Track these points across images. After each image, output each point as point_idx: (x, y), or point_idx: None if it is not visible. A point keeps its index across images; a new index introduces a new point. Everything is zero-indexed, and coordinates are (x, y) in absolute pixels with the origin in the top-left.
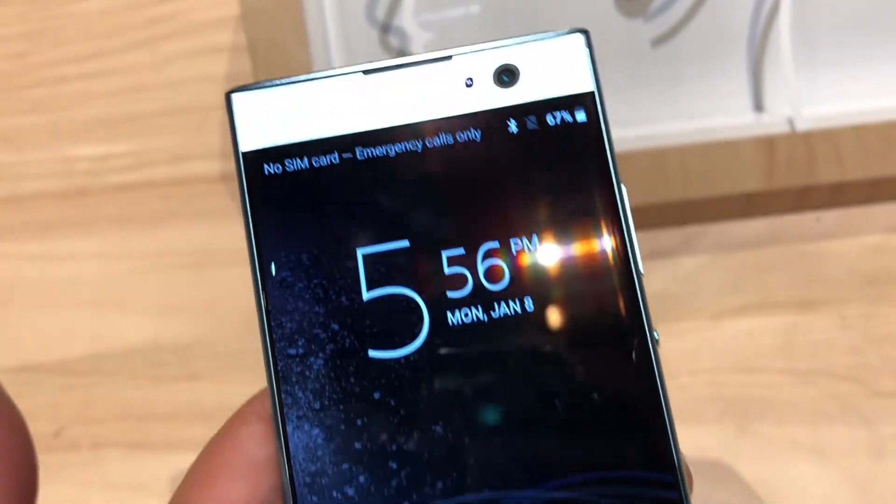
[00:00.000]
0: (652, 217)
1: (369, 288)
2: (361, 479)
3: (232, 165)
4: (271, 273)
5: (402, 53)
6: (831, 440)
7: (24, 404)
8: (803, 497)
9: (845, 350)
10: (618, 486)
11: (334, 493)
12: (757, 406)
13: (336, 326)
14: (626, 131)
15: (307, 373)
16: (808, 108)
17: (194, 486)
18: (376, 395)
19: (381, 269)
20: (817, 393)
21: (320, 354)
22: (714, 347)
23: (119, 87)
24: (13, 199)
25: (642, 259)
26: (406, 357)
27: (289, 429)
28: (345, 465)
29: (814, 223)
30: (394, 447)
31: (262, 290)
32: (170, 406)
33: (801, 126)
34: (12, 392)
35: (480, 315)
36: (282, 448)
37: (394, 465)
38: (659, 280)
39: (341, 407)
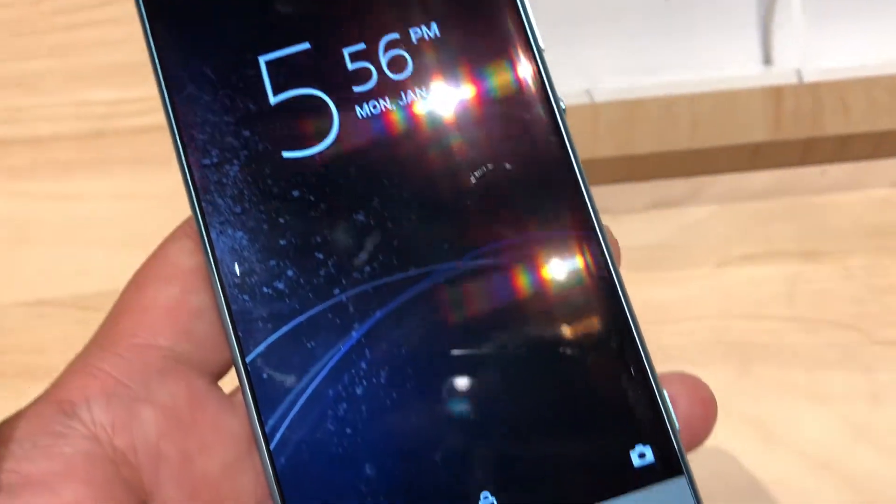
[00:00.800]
0: (660, 166)
1: (276, 93)
2: (290, 272)
3: None
4: (177, 89)
5: None
6: (830, 385)
7: (40, 337)
8: (800, 439)
9: (847, 299)
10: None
11: (265, 290)
12: (758, 350)
13: (247, 133)
14: (636, 80)
15: (224, 180)
16: (816, 60)
17: (125, 296)
18: (295, 193)
19: (285, 73)
20: (818, 340)
21: (235, 161)
22: (718, 294)
23: (133, 33)
24: (30, 141)
25: (649, 209)
26: (320, 153)
27: (213, 235)
28: (272, 262)
29: (819, 176)
30: (318, 239)
31: (171, 106)
32: None
33: (809, 78)
34: (27, 325)
35: (388, 105)
36: (208, 251)
37: (320, 256)
38: (665, 229)
39: (262, 208)
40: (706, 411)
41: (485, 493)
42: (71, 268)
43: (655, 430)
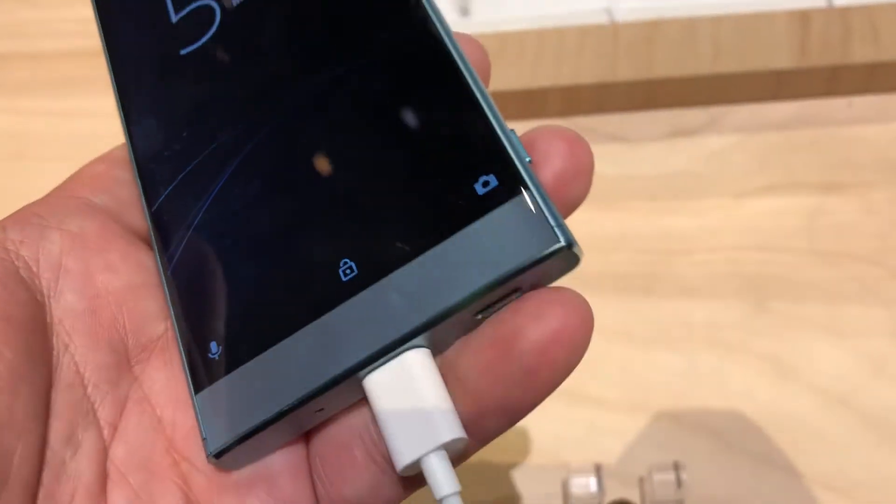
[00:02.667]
0: (679, 93)
1: (177, 12)
2: (179, 139)
3: None
4: (109, 28)
5: None
6: (849, 320)
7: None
8: (817, 373)
9: (869, 234)
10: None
11: (164, 154)
12: (775, 284)
13: (154, 41)
14: (655, 1)
15: (139, 80)
16: None
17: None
18: (188, 77)
19: None
20: (837, 274)
21: (147, 63)
22: (735, 226)
23: None
24: (31, 56)
25: (668, 137)
26: (208, 39)
27: (131, 124)
28: (169, 133)
29: (845, 108)
30: (201, 107)
31: (105, 38)
32: None
33: (839, 1)
34: None
35: None
36: (128, 138)
37: (202, 123)
38: (683, 158)
39: (162, 94)
40: (577, 162)
41: (344, 261)
42: None
43: (494, 158)
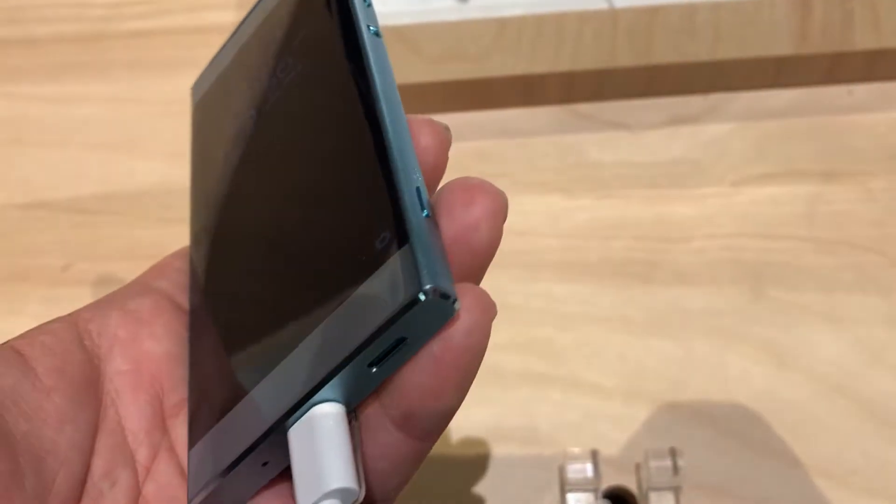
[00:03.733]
0: (679, 79)
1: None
2: (206, 223)
3: (243, 15)
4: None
5: None
6: (847, 308)
7: (33, 239)
8: (815, 361)
9: (868, 222)
10: None
11: (197, 241)
12: (773, 271)
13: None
14: None
15: (203, 176)
16: None
17: None
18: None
19: None
20: (836, 261)
21: (212, 165)
22: (734, 213)
23: None
24: (28, 42)
25: (667, 125)
26: (235, 147)
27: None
28: (204, 224)
29: (845, 96)
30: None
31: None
32: (177, 247)
33: None
34: (23, 227)
35: None
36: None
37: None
38: (682, 145)
39: (208, 184)
40: (481, 211)
41: (275, 326)
42: (66, 171)
43: (388, 216)
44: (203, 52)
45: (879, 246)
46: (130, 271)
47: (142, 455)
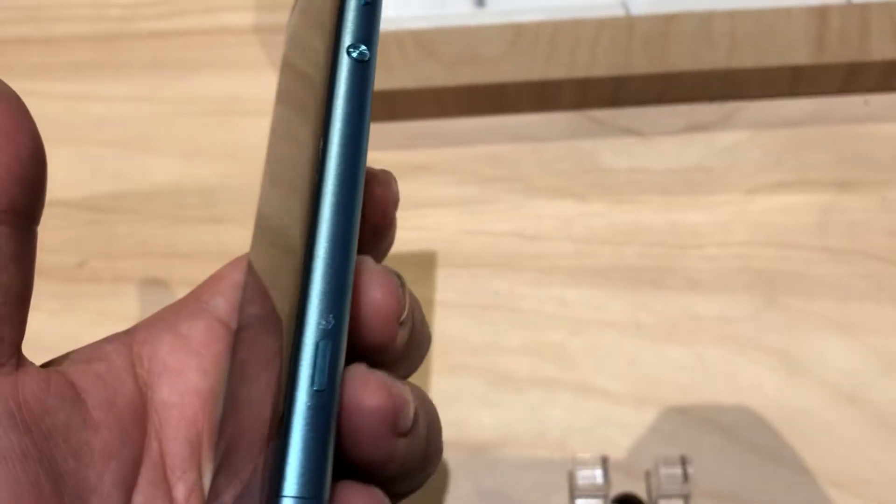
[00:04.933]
0: (694, 87)
1: None
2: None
3: (260, 17)
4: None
5: None
6: (861, 317)
7: (48, 236)
8: (827, 369)
9: (883, 231)
10: None
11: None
12: (787, 280)
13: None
14: None
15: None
16: None
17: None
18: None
19: None
20: (850, 271)
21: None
22: (747, 221)
23: None
24: (46, 41)
25: (682, 132)
26: None
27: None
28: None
29: (861, 105)
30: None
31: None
32: (191, 246)
33: None
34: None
35: None
36: None
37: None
38: (697, 153)
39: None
40: None
41: None
42: (82, 168)
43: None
44: (219, 53)
45: (894, 256)
46: (144, 269)
47: (179, 492)
